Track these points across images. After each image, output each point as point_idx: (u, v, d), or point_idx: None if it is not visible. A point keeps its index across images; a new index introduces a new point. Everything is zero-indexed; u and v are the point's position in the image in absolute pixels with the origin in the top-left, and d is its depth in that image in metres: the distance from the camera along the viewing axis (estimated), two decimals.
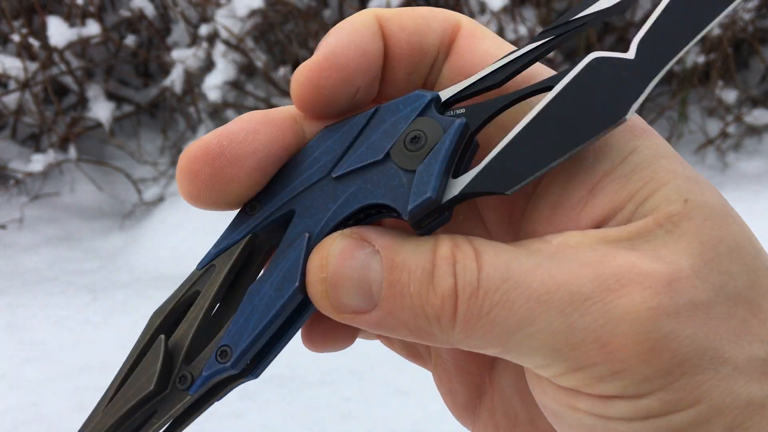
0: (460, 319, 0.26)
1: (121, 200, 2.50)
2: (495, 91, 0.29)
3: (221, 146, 0.28)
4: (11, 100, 2.49)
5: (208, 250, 0.30)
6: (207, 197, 0.28)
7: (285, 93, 2.41)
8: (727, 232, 0.26)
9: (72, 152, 2.45)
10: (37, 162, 2.41)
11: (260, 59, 2.36)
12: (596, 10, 0.29)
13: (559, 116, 0.27)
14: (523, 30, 2.27)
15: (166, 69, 2.54)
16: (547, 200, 0.28)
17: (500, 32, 2.24)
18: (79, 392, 1.51)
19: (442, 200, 0.27)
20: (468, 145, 0.29)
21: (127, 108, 2.72)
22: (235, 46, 2.34)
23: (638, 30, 0.28)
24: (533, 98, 0.29)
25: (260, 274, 0.29)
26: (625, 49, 0.28)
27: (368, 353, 1.64)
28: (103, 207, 2.48)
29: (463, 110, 0.28)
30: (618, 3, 0.28)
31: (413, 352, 0.36)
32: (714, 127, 2.56)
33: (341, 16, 2.53)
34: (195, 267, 0.30)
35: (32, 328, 1.75)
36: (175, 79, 2.39)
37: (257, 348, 0.28)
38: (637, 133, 0.28)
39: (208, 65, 2.38)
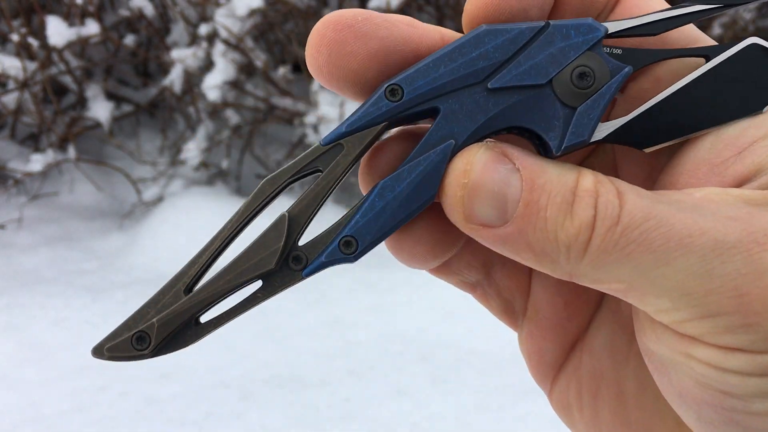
0: (592, 250, 0.26)
1: (120, 200, 2.50)
2: (650, 40, 0.30)
3: (355, 19, 0.28)
4: (10, 99, 2.49)
5: (337, 126, 0.29)
6: (325, 64, 0.28)
7: (285, 93, 2.40)
8: None
9: (71, 152, 2.44)
10: (36, 162, 2.40)
11: (260, 59, 2.36)
12: None
13: (706, 91, 0.28)
14: None
15: (165, 69, 2.53)
16: (693, 155, 0.29)
17: None
18: (79, 393, 1.50)
19: (590, 141, 0.28)
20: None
21: (127, 108, 2.71)
22: (234, 45, 2.33)
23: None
24: (685, 60, 0.30)
25: (396, 171, 0.28)
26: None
27: (368, 353, 1.64)
28: (103, 207, 2.48)
29: (620, 51, 0.29)
30: None
31: (508, 309, 0.35)
32: None
33: None
34: (319, 141, 0.29)
35: (31, 328, 1.75)
36: (174, 78, 2.39)
37: (378, 243, 0.28)
38: None
39: (208, 65, 2.37)
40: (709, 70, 0.28)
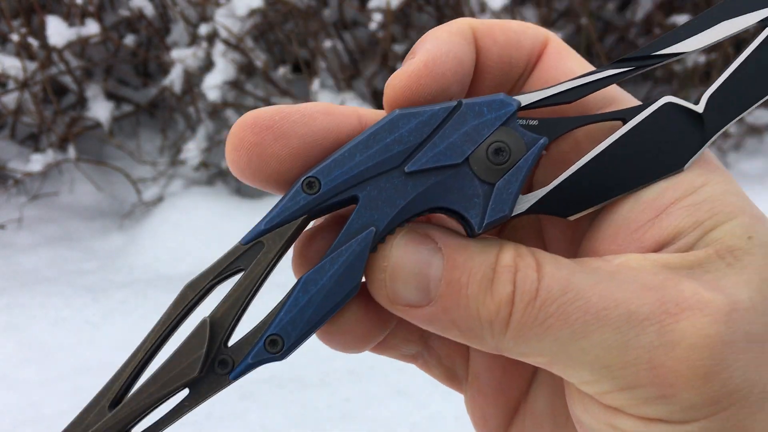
0: (513, 326, 0.26)
1: (120, 200, 2.50)
2: (566, 107, 0.30)
3: (272, 120, 0.28)
4: (10, 99, 2.49)
5: (256, 224, 0.28)
6: (246, 167, 0.28)
7: (285, 93, 2.40)
8: None
9: (71, 152, 2.44)
10: (36, 162, 2.40)
11: (260, 59, 2.36)
12: (679, 51, 0.29)
13: (625, 154, 0.29)
14: None
15: (165, 69, 2.54)
16: (612, 219, 0.29)
17: None
18: (79, 392, 1.50)
19: (510, 215, 0.28)
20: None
21: (127, 108, 2.71)
22: (234, 45, 2.33)
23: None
24: (603, 124, 0.30)
25: (318, 264, 0.28)
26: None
27: (368, 353, 1.64)
28: (103, 207, 2.47)
29: (536, 122, 0.29)
30: (699, 48, 0.29)
31: (450, 375, 0.36)
32: None
33: (341, 15, 2.53)
34: (239, 240, 0.28)
35: (31, 328, 1.75)
36: (174, 78, 2.39)
37: (306, 339, 0.28)
38: (711, 167, 0.28)
39: (208, 65, 2.37)
40: (626, 133, 0.29)
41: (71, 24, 2.41)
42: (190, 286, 0.28)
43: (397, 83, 0.28)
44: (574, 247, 0.31)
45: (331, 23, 2.51)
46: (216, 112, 2.45)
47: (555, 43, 0.32)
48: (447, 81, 0.28)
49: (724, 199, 0.27)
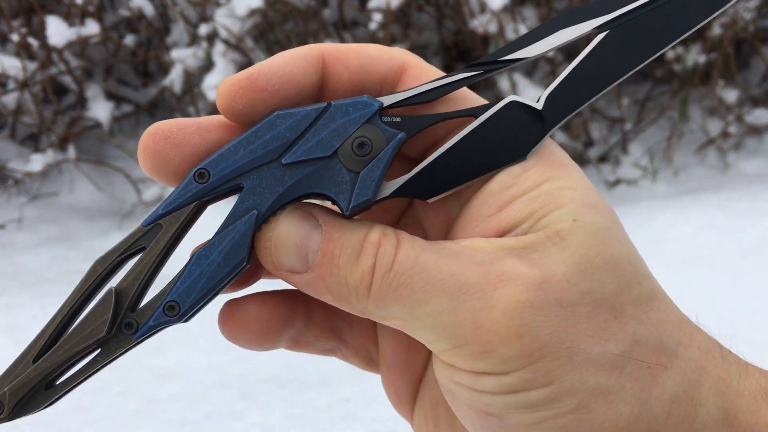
0: (373, 292, 0.31)
1: (120, 200, 2.50)
2: (425, 105, 0.34)
3: (171, 131, 0.33)
4: (10, 99, 2.49)
5: (155, 208, 0.33)
6: (150, 169, 0.33)
7: None
8: (606, 248, 0.31)
9: (71, 152, 2.44)
10: (36, 162, 2.40)
11: (260, 59, 2.36)
12: (522, 56, 0.34)
13: (475, 145, 0.33)
14: (523, 29, 2.27)
15: (165, 69, 2.53)
16: (468, 210, 0.34)
17: (500, 32, 2.24)
18: (79, 393, 1.50)
19: (374, 199, 0.32)
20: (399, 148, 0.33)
21: (127, 108, 2.71)
22: (234, 45, 2.33)
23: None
24: (458, 120, 0.34)
25: (208, 241, 0.32)
26: None
27: None
28: (103, 207, 2.47)
29: (399, 119, 0.33)
30: (539, 54, 0.34)
31: (368, 361, 0.41)
32: (715, 126, 2.56)
33: (341, 15, 2.53)
34: (140, 223, 0.33)
35: (31, 328, 1.74)
36: (174, 78, 2.38)
37: (202, 305, 0.32)
38: (555, 166, 0.33)
39: (208, 65, 2.37)
40: (475, 127, 0.33)
41: (71, 24, 2.41)
42: (100, 261, 0.34)
43: (222, 88, 0.32)
44: (447, 233, 0.36)
45: (331, 23, 2.51)
46: (216, 112, 2.45)
47: (415, 66, 0.35)
48: (266, 95, 0.32)
49: (558, 192, 0.32)
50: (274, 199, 0.32)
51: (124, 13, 2.55)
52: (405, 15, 2.49)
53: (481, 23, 2.23)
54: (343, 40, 2.49)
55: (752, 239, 1.86)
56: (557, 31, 0.34)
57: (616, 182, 2.44)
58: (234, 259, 0.32)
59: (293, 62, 0.33)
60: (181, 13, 2.49)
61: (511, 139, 0.33)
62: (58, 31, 2.32)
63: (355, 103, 0.32)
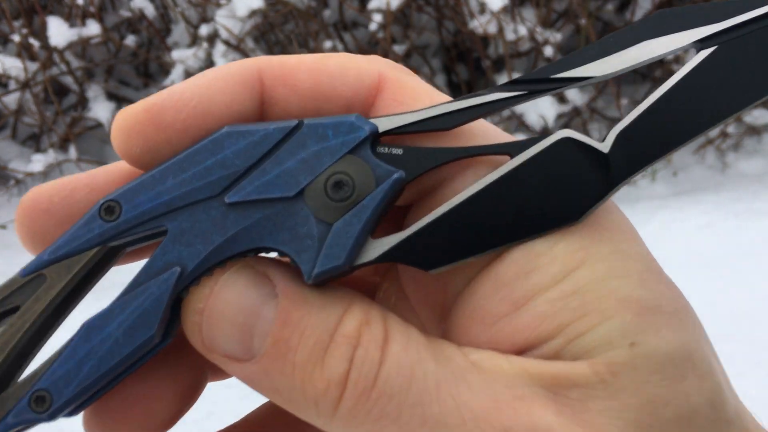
0: (341, 412, 0.22)
1: None
2: (433, 135, 0.24)
3: (51, 202, 0.25)
4: (11, 100, 2.49)
5: (39, 253, 0.24)
6: (33, 250, 0.25)
7: None
8: (679, 392, 0.21)
9: (72, 152, 2.45)
10: (38, 162, 2.41)
11: None
12: (584, 75, 0.24)
13: (506, 199, 0.23)
14: (522, 30, 2.27)
15: (166, 69, 2.54)
16: (471, 297, 0.23)
17: (500, 32, 2.24)
18: None
19: (354, 264, 0.23)
20: (397, 195, 0.24)
21: None
22: (235, 46, 2.34)
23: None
24: (480, 159, 0.24)
25: (106, 307, 0.23)
26: None
27: None
28: None
29: (400, 151, 0.24)
30: (609, 74, 0.24)
31: None
32: None
33: (341, 16, 2.54)
34: (18, 272, 0.24)
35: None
36: (175, 79, 2.39)
37: (85, 401, 0.23)
38: (593, 235, 0.23)
39: (209, 65, 2.38)
40: (511, 171, 0.23)
41: (72, 24, 2.41)
42: None
43: (116, 124, 0.24)
44: (444, 309, 0.26)
45: (331, 24, 2.51)
46: None
47: (395, 86, 0.25)
48: (176, 134, 0.23)
49: (601, 287, 0.22)
50: (209, 251, 0.23)
51: (125, 13, 2.55)
52: (405, 15, 2.50)
53: (480, 24, 2.24)
54: (343, 41, 2.50)
55: (751, 239, 1.85)
56: (642, 41, 0.24)
57: None
58: (139, 336, 0.22)
59: (216, 86, 0.23)
60: (181, 14, 2.49)
61: (560, 192, 0.23)
62: (59, 31, 2.32)
63: (337, 124, 0.23)
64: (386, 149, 0.24)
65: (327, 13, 2.49)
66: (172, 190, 0.23)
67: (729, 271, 1.73)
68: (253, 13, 2.27)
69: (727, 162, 2.46)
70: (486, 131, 0.25)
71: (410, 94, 0.25)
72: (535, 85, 0.24)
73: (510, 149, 0.24)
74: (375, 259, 0.23)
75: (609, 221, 0.23)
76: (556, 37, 2.31)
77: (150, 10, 2.49)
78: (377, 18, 2.30)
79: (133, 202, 0.23)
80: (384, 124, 0.24)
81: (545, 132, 0.21)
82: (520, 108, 2.26)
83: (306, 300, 0.23)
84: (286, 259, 0.24)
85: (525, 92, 0.24)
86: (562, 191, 0.23)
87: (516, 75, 2.31)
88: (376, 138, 0.24)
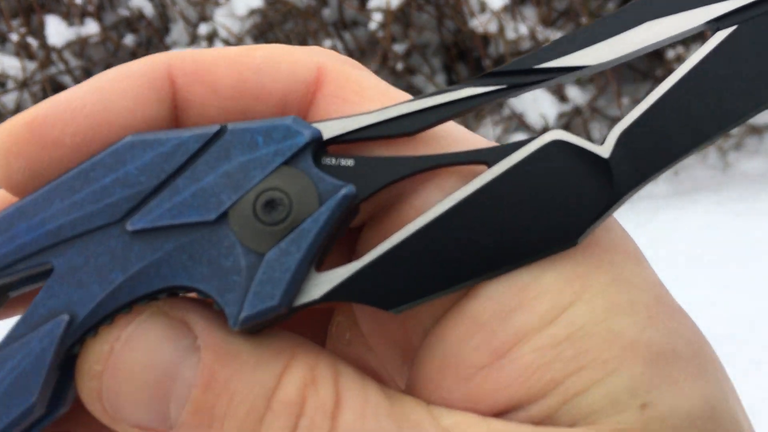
0: None
1: None
2: (392, 142, 0.20)
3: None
4: (9, 99, 2.48)
5: None
6: None
7: None
8: None
9: None
10: None
11: None
12: (576, 64, 0.20)
13: (482, 219, 0.19)
14: (523, 29, 2.27)
15: None
16: (437, 348, 0.19)
17: (500, 31, 2.23)
18: None
19: (294, 305, 0.18)
20: (348, 217, 0.19)
21: None
22: (234, 45, 2.33)
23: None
24: (450, 169, 0.20)
25: None
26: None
27: None
28: None
29: (351, 162, 0.19)
30: (606, 62, 0.20)
31: None
32: None
33: (341, 15, 2.53)
34: None
35: None
36: None
37: None
38: (589, 261, 0.18)
39: None
40: (485, 186, 0.19)
41: (70, 24, 2.41)
42: None
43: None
44: (409, 353, 0.21)
45: (331, 23, 2.51)
46: None
47: (335, 80, 0.20)
48: (66, 152, 0.19)
49: (602, 329, 0.17)
50: (108, 293, 0.18)
51: (123, 12, 2.54)
52: (405, 15, 2.49)
53: (481, 23, 2.23)
54: (343, 41, 2.49)
55: (753, 239, 1.85)
56: (645, 22, 0.20)
57: None
58: (16, 406, 0.18)
59: (114, 88, 0.19)
60: (180, 13, 2.48)
61: (551, 208, 0.19)
62: (57, 30, 2.32)
63: (269, 129, 0.19)
64: (333, 160, 0.19)
65: (327, 12, 2.48)
66: (60, 217, 0.18)
67: (731, 271, 1.73)
68: (252, 12, 2.26)
69: (728, 161, 2.46)
70: (457, 136, 0.20)
71: (355, 90, 0.20)
72: (517, 77, 0.20)
73: (487, 157, 0.19)
74: (320, 297, 0.18)
75: (608, 241, 0.19)
76: (557, 36, 2.30)
77: (149, 9, 2.48)
78: (377, 17, 2.29)
79: (8, 234, 0.18)
80: (330, 129, 0.19)
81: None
82: (521, 106, 2.26)
83: (235, 354, 0.18)
84: (209, 301, 0.19)
85: (504, 86, 0.20)
86: (553, 208, 0.19)
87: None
88: (320, 146, 0.19)
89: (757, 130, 2.53)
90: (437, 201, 0.19)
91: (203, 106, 0.20)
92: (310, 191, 0.18)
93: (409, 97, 0.20)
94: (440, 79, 2.54)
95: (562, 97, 2.36)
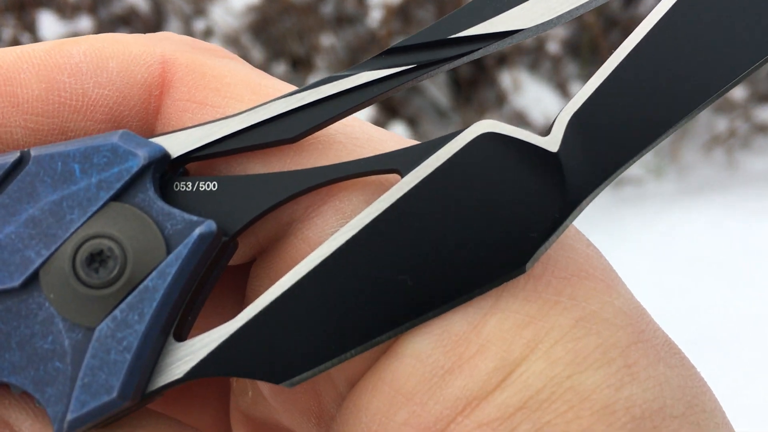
0: None
1: None
2: (280, 150, 0.15)
3: None
4: None
5: None
6: None
7: None
8: None
9: None
10: None
11: (257, 55, 2.33)
12: (503, 29, 0.15)
13: (395, 250, 0.14)
14: None
15: None
16: (356, 419, 0.14)
17: None
18: None
19: (143, 394, 0.13)
20: (219, 258, 0.14)
21: None
22: (231, 41, 2.30)
23: None
24: (351, 183, 0.15)
25: None
26: None
27: None
28: None
29: (214, 185, 0.14)
30: (543, 23, 0.15)
31: None
32: (721, 124, 2.53)
33: (339, 11, 2.50)
34: None
35: None
36: None
37: None
38: (544, 295, 0.13)
39: None
40: (396, 203, 0.14)
41: (64, 19, 2.38)
42: None
43: None
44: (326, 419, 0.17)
45: (330, 19, 2.48)
46: None
47: (187, 76, 0.15)
48: None
49: (563, 392, 0.13)
50: None
51: (118, 5, 2.52)
52: (404, 11, 2.46)
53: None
54: (341, 36, 2.46)
55: (760, 239, 1.85)
56: None
57: (621, 181, 2.41)
58: None
59: None
60: (175, 9, 2.45)
61: (486, 226, 0.14)
62: (50, 26, 2.29)
63: (88, 150, 0.13)
64: (189, 185, 0.14)
65: (324, 9, 2.46)
66: None
67: (738, 271, 1.73)
68: (249, 8, 2.23)
69: (735, 160, 2.43)
70: (359, 137, 0.15)
71: (215, 87, 0.15)
72: (428, 52, 0.15)
73: (398, 163, 0.14)
74: (184, 376, 0.13)
75: (567, 264, 0.14)
76: (560, 32, 2.27)
77: (142, 5, 2.45)
78: (376, 13, 2.26)
79: None
80: (181, 143, 0.14)
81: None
82: (522, 104, 2.21)
83: None
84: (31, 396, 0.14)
85: (413, 65, 0.15)
86: (488, 226, 0.14)
87: (520, 73, 2.26)
88: (170, 168, 0.14)
89: (764, 129, 2.51)
90: (334, 230, 0.14)
91: (2, 127, 0.14)
92: (152, 235, 0.13)
93: (294, 88, 0.15)
94: (441, 78, 2.51)
95: (566, 94, 2.32)
